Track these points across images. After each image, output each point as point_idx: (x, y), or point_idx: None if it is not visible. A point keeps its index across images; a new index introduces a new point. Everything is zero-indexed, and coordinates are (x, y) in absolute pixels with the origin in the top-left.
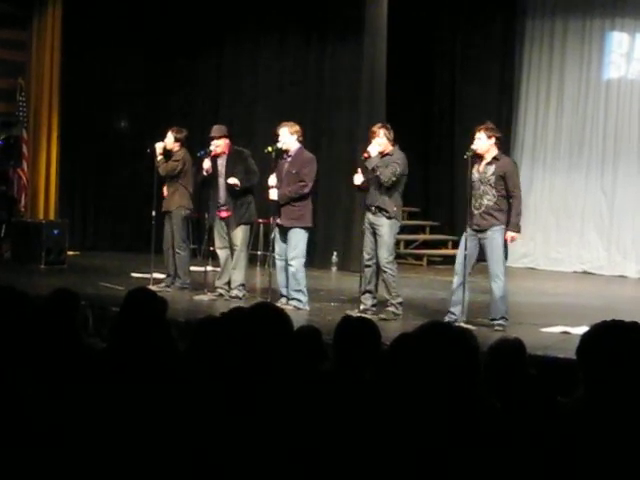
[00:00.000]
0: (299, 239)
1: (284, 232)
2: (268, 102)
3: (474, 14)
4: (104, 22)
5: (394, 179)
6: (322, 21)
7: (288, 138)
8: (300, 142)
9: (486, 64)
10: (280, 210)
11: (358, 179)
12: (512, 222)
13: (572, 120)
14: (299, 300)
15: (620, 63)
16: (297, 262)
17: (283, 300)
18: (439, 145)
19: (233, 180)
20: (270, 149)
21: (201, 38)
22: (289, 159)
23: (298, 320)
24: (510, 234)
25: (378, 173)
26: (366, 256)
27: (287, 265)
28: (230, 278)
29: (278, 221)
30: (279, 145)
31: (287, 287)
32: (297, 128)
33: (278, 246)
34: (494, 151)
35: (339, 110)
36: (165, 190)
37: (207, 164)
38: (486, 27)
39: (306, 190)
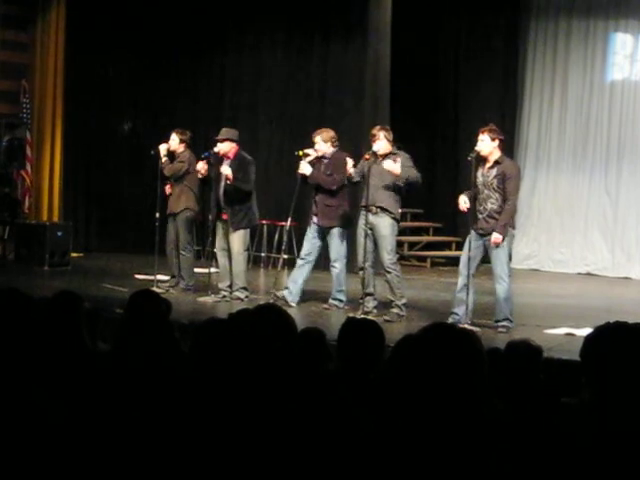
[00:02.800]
0: (338, 240)
1: (322, 233)
2: (272, 103)
3: (478, 15)
4: (107, 24)
5: (417, 173)
6: (326, 22)
7: (323, 146)
8: (335, 146)
9: (490, 65)
10: (318, 211)
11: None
12: (499, 224)
13: (576, 121)
14: (341, 300)
15: (624, 64)
16: (340, 263)
17: (285, 292)
18: (443, 146)
19: (226, 170)
20: (300, 153)
21: (204, 39)
22: (325, 161)
23: (302, 321)
24: (495, 236)
25: (408, 177)
26: (361, 259)
27: (331, 267)
28: (232, 281)
29: (315, 221)
30: (308, 150)
31: (297, 283)
32: (332, 134)
33: (306, 246)
34: (497, 154)
35: (343, 111)
36: (168, 189)
37: (200, 165)
38: (490, 29)
39: (334, 187)
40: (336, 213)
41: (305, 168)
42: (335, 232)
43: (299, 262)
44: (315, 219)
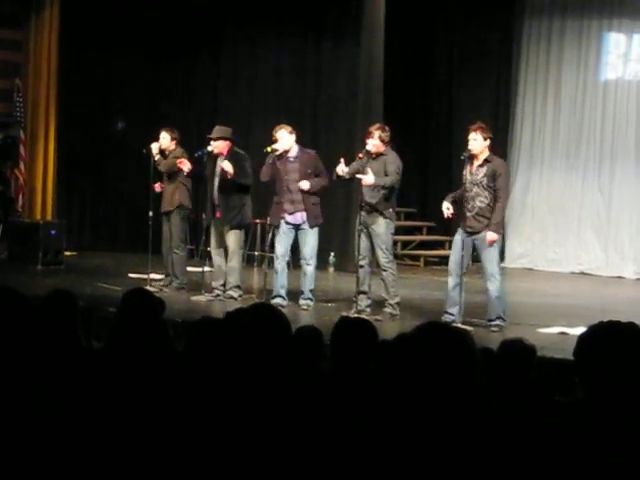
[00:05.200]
0: (316, 238)
1: (296, 232)
2: (266, 101)
3: (472, 14)
4: (101, 22)
5: (398, 177)
6: (320, 19)
7: (289, 139)
8: (296, 143)
9: (484, 64)
10: (302, 209)
11: (341, 169)
12: (492, 222)
13: (569, 120)
14: (312, 299)
15: (617, 64)
16: (314, 261)
17: (279, 300)
18: (436, 145)
19: (227, 165)
20: (269, 149)
21: (198, 37)
22: (292, 159)
23: (297, 320)
24: (490, 235)
25: (384, 184)
26: (359, 257)
27: (305, 264)
28: (225, 279)
29: (290, 220)
30: (276, 146)
31: (285, 288)
32: (292, 129)
33: (282, 247)
34: (486, 152)
35: (337, 109)
36: (158, 187)
37: (187, 165)
38: (484, 27)
39: (327, 184)
40: (318, 210)
41: (305, 184)
42: (314, 230)
43: (280, 266)
44: (290, 218)
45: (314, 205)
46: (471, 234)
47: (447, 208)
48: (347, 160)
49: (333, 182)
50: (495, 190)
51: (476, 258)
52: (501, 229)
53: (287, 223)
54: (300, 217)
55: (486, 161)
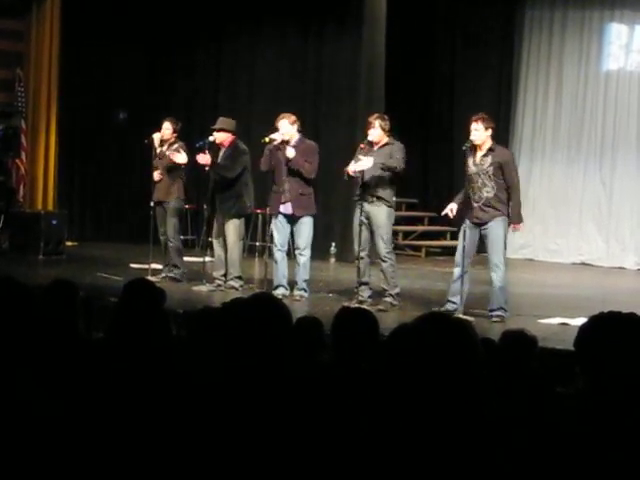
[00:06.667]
0: (309, 228)
1: (290, 222)
2: (267, 93)
3: (473, 6)
4: (103, 12)
5: (403, 165)
6: (320, 11)
7: (289, 129)
8: (299, 132)
9: (485, 55)
10: (288, 199)
11: (352, 169)
12: (513, 213)
13: (571, 112)
14: (305, 290)
15: (619, 55)
16: (309, 251)
17: (282, 290)
18: (438, 136)
19: (201, 158)
20: (267, 139)
21: (200, 29)
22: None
23: (297, 311)
24: (514, 227)
25: (390, 166)
26: (360, 249)
27: (299, 255)
28: (226, 269)
29: (282, 210)
30: (274, 136)
31: (286, 277)
32: (295, 118)
33: (280, 236)
34: (489, 142)
35: (338, 101)
36: (157, 175)
37: (180, 158)
38: (485, 18)
39: (313, 175)
40: (309, 201)
41: (290, 151)
42: (307, 220)
43: (279, 255)
44: (282, 208)
45: (302, 196)
46: (478, 225)
47: (450, 210)
48: (348, 155)
49: (332, 173)
50: (505, 180)
51: (481, 249)
52: (522, 218)
53: (282, 213)
54: (293, 208)
55: (490, 150)
